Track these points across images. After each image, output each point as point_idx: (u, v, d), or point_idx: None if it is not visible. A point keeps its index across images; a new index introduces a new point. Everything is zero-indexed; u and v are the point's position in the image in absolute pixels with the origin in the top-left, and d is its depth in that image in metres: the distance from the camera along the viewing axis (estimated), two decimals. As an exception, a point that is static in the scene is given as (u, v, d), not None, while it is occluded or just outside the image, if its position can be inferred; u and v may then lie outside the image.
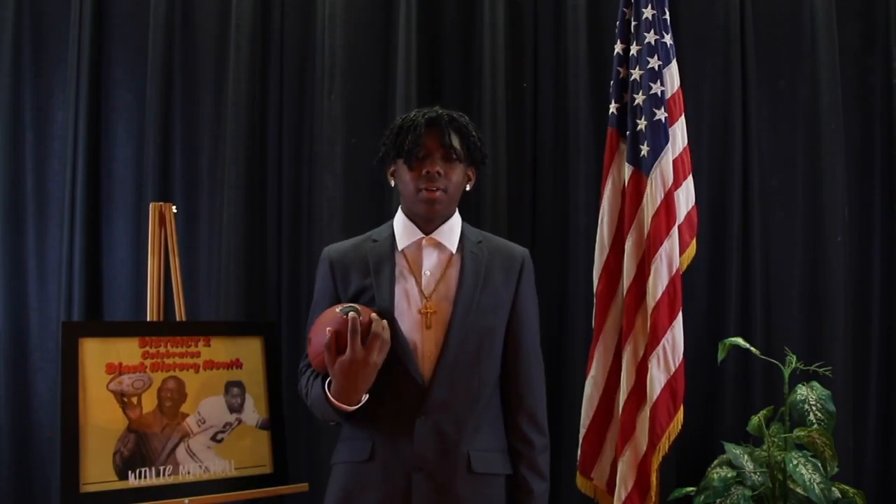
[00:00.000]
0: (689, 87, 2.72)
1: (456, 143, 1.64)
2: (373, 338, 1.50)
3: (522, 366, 1.69)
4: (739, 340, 2.40)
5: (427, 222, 1.67)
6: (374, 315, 1.53)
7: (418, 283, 1.64)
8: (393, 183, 1.72)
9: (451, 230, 1.69)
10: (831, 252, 2.70)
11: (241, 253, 2.84)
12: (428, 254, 1.67)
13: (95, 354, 1.95)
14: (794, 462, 2.16)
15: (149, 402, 1.98)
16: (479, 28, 2.87)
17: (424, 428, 1.58)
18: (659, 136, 2.39)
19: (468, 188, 1.73)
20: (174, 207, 2.34)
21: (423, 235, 1.67)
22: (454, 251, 1.68)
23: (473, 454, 1.60)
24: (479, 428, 1.63)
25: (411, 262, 1.67)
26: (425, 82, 2.88)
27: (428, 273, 1.65)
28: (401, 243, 1.68)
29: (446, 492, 1.58)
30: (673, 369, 2.32)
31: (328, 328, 1.51)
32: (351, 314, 1.51)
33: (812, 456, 2.19)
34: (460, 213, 1.77)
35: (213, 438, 2.03)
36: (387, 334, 1.52)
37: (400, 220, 1.71)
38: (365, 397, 1.56)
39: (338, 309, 1.56)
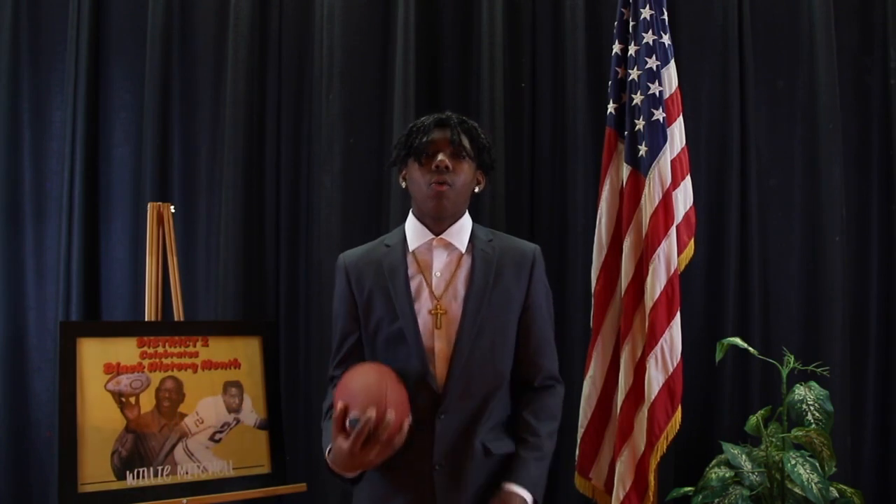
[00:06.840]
0: (688, 87, 2.73)
1: (465, 142, 1.67)
2: (374, 442, 1.45)
3: (532, 352, 1.71)
4: (737, 340, 2.40)
5: (437, 222, 1.69)
6: (389, 417, 1.44)
7: (429, 285, 1.66)
8: (405, 185, 1.74)
9: (461, 230, 1.71)
10: (829, 252, 2.70)
11: (239, 252, 2.84)
12: (438, 254, 1.69)
13: (93, 354, 1.95)
14: (792, 462, 2.16)
15: (147, 403, 1.98)
16: (478, 28, 2.87)
17: (443, 426, 1.61)
18: (657, 136, 2.39)
19: (477, 190, 1.74)
20: (172, 207, 2.34)
21: (433, 236, 1.69)
22: (464, 251, 1.70)
23: (488, 443, 1.63)
24: (493, 414, 1.65)
25: (421, 263, 1.69)
26: (423, 82, 2.88)
27: (438, 274, 1.67)
28: (412, 245, 1.70)
29: (460, 476, 1.60)
30: (671, 369, 2.32)
31: (340, 403, 1.46)
32: (363, 419, 1.42)
33: (810, 456, 2.19)
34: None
35: (212, 438, 2.03)
36: (399, 439, 1.47)
37: (411, 223, 1.73)
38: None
39: (351, 416, 1.46)
